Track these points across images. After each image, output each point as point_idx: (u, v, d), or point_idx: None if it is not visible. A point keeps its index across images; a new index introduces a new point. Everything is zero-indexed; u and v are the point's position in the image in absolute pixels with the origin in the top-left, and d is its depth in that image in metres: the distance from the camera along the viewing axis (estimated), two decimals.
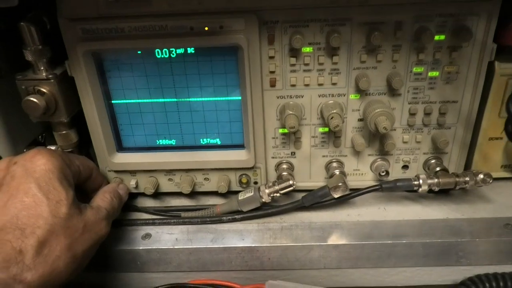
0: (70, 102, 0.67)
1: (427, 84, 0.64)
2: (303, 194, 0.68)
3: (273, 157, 0.71)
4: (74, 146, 0.71)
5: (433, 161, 0.70)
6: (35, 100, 0.62)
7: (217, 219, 0.68)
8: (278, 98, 0.66)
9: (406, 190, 0.69)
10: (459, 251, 0.63)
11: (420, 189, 0.65)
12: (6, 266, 0.46)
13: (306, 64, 0.63)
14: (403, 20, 0.59)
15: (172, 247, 0.65)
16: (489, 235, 0.63)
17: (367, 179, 0.73)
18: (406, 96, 0.65)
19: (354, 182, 0.71)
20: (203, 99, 0.66)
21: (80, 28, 0.60)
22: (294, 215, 0.69)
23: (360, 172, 0.72)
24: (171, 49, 0.62)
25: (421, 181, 0.64)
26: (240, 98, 0.66)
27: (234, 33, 0.60)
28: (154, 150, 0.71)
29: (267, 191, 0.66)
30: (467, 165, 0.72)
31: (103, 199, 0.62)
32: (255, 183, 0.72)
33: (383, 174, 0.70)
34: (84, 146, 0.74)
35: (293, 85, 0.64)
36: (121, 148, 0.72)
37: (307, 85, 0.64)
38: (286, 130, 0.67)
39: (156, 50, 0.62)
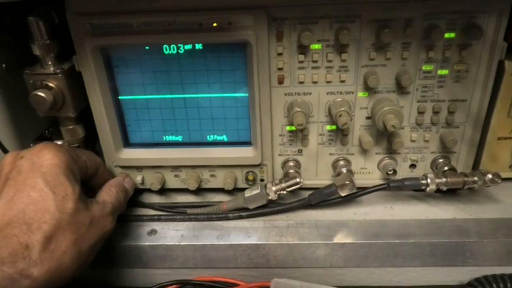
0: (77, 97, 0.67)
1: (436, 83, 0.64)
2: (310, 192, 0.68)
3: (280, 155, 0.71)
4: (81, 141, 0.72)
5: (441, 160, 0.69)
6: (42, 94, 0.62)
7: (223, 216, 0.68)
8: (286, 95, 0.65)
9: (413, 190, 0.69)
10: (466, 252, 0.63)
11: (428, 189, 0.64)
12: (13, 261, 0.46)
13: (315, 61, 0.62)
14: (413, 17, 0.59)
15: (177, 243, 0.65)
16: (497, 236, 0.63)
17: (374, 178, 0.72)
18: (415, 94, 0.65)
19: (361, 180, 0.71)
20: (211, 95, 0.66)
21: (88, 23, 0.60)
22: (301, 213, 0.69)
23: (367, 170, 0.72)
24: (179, 45, 0.62)
25: (429, 180, 0.64)
26: (247, 94, 0.66)
27: (242, 29, 0.59)
28: (161, 146, 0.71)
29: (273, 188, 0.66)
30: (475, 165, 0.71)
31: (108, 194, 0.61)
32: (262, 180, 0.72)
33: (390, 173, 0.70)
34: (91, 141, 0.74)
35: (301, 82, 0.64)
36: (127, 143, 0.72)
37: (315, 82, 0.64)
38: (293, 128, 0.66)
39: (164, 46, 0.62)
